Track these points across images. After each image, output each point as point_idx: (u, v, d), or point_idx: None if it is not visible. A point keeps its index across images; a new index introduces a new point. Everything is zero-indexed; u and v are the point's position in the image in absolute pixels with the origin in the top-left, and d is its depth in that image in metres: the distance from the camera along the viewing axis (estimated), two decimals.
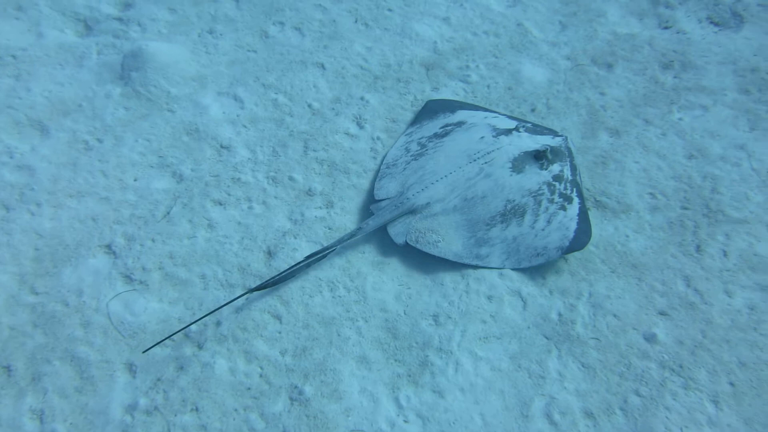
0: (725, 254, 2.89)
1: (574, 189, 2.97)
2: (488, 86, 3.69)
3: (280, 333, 2.71)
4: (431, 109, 3.45)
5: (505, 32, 3.99)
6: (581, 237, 2.80)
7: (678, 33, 3.97)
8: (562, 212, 2.87)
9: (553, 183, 2.95)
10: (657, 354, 2.60)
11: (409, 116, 3.55)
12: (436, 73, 3.76)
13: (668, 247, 2.94)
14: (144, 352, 2.57)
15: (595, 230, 3.00)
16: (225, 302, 2.67)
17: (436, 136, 3.22)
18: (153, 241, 2.98)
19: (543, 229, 2.84)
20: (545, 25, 4.03)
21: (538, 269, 2.89)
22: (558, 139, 3.09)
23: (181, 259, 2.93)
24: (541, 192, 2.91)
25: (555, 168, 3.00)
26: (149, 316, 2.74)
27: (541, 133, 3.13)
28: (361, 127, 3.50)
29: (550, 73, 3.76)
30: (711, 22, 4.03)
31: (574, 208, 2.89)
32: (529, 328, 2.72)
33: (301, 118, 3.54)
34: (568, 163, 3.04)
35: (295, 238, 3.04)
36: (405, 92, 3.67)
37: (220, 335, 2.69)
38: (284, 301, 2.80)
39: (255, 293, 2.78)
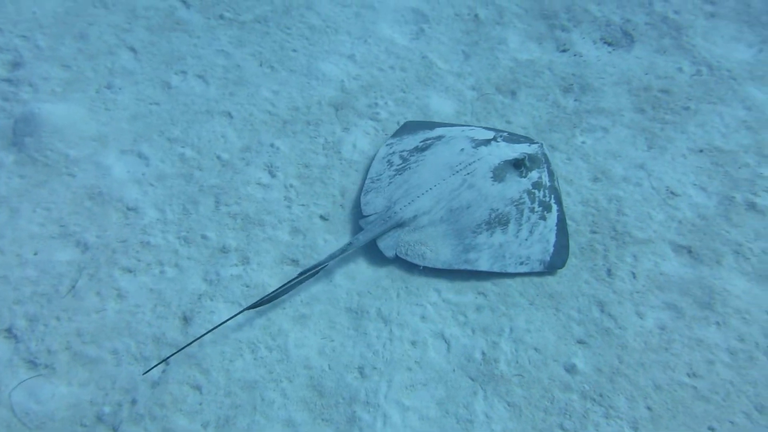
0: (634, 276, 2.96)
1: (552, 195, 3.13)
2: (398, 123, 3.68)
3: (200, 404, 2.60)
4: (409, 128, 3.56)
5: (411, 66, 4.00)
6: (561, 252, 2.98)
7: (575, 56, 4.08)
8: (542, 222, 3.03)
9: (533, 191, 3.10)
10: (578, 384, 2.63)
11: (322, 160, 3.50)
12: (345, 113, 3.73)
13: (581, 274, 2.99)
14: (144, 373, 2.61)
15: None
16: (222, 321, 2.71)
17: (417, 149, 3.31)
18: (58, 319, 2.82)
19: (526, 239, 2.99)
20: (449, 56, 4.07)
21: (460, 307, 2.88)
22: (534, 146, 3.23)
23: (90, 335, 2.77)
24: (522, 201, 3.06)
25: (534, 175, 3.14)
26: (57, 402, 2.58)
27: (518, 142, 3.26)
28: (273, 175, 3.42)
29: (458, 105, 3.79)
30: (605, 43, 4.17)
31: (552, 217, 3.06)
32: (454, 371, 2.70)
33: (210, 171, 3.44)
34: (546, 169, 3.19)
35: (212, 300, 2.93)
36: (315, 135, 3.62)
37: (136, 414, 2.55)
38: (203, 370, 2.69)
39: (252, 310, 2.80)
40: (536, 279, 2.98)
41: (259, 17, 4.21)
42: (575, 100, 3.82)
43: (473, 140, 3.25)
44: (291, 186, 3.38)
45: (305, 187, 3.38)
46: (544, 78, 3.93)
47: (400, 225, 3.03)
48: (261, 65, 3.96)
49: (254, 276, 3.02)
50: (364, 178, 3.31)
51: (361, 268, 3.06)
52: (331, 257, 2.91)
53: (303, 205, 3.31)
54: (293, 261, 3.09)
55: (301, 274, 2.84)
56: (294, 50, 4.06)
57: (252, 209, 3.28)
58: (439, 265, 2.94)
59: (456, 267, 2.93)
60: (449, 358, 2.74)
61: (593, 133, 3.62)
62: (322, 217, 3.26)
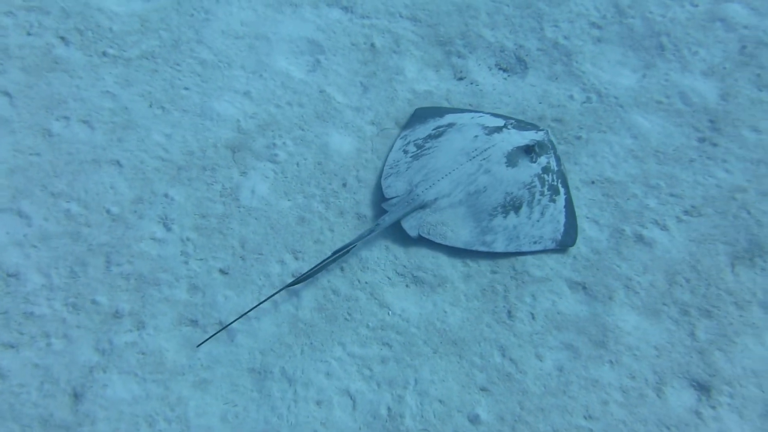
0: (533, 317, 3.01)
1: (559, 179, 3.37)
2: (297, 164, 3.58)
3: None
4: (420, 115, 3.73)
5: (309, 101, 3.90)
6: (570, 231, 3.22)
7: (471, 84, 4.09)
8: (552, 204, 3.26)
9: (543, 175, 3.33)
10: None
11: (219, 209, 3.36)
12: (243, 155, 3.59)
13: (483, 317, 3.01)
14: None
15: (414, 309, 3.02)
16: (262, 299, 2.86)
17: (431, 137, 3.50)
18: None
19: (538, 220, 3.22)
20: (348, 89, 3.99)
21: (365, 361, 2.84)
22: (541, 133, 3.47)
23: None
24: (533, 184, 3.29)
25: (543, 160, 3.38)
26: None
27: (526, 129, 3.48)
28: (168, 229, 3.25)
29: (358, 142, 3.72)
30: (500, 69, 4.20)
31: (561, 199, 3.30)
32: (360, 429, 2.66)
33: (100, 227, 3.23)
34: (552, 155, 3.44)
35: (105, 371, 2.76)
36: (212, 182, 3.47)
37: None
38: None
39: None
40: (440, 325, 2.98)
41: (146, 53, 3.98)
42: None
43: (485, 127, 3.46)
44: (188, 239, 3.23)
45: (203, 239, 3.23)
46: None
47: (422, 207, 3.23)
48: (151, 106, 3.75)
49: (150, 342, 2.87)
50: (382, 167, 3.50)
51: (264, 325, 2.97)
52: (360, 237, 3.09)
53: (201, 259, 3.17)
54: (192, 321, 2.96)
55: (335, 252, 3.01)
56: (186, 88, 3.87)
57: (146, 268, 3.10)
58: (459, 245, 3.15)
59: (475, 248, 3.15)
60: (355, 416, 2.70)
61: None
62: (221, 271, 3.14)
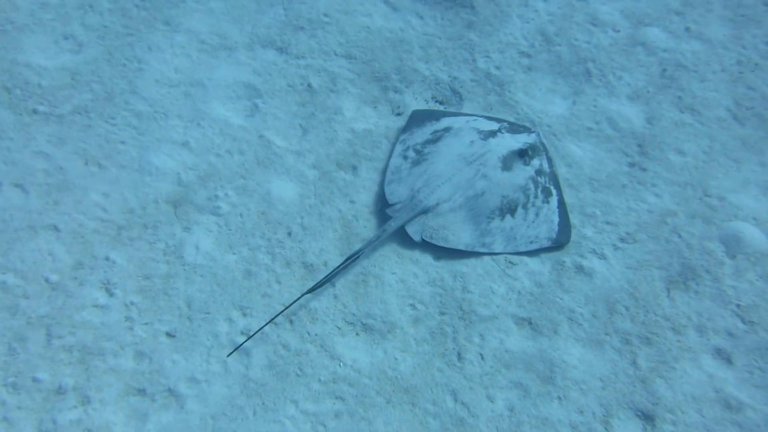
0: (482, 357, 3.01)
1: (552, 181, 3.50)
2: (241, 215, 3.51)
3: None
4: (417, 118, 3.85)
5: (249, 148, 3.83)
6: (564, 230, 3.36)
7: None
8: (546, 205, 3.39)
9: (536, 177, 3.45)
10: None
11: (163, 269, 3.26)
12: (185, 210, 3.50)
13: (434, 361, 3.00)
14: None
15: (365, 358, 2.99)
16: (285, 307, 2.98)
17: (429, 142, 3.62)
18: None
19: (533, 221, 3.35)
20: (287, 132, 3.94)
21: (319, 417, 2.80)
22: (533, 135, 3.59)
23: None
24: (528, 187, 3.41)
25: (535, 162, 3.49)
26: None
27: (518, 132, 3.60)
28: (110, 294, 3.14)
29: (300, 187, 3.67)
30: (436, 101, 4.21)
31: (554, 200, 3.43)
32: None
33: (38, 298, 3.09)
34: (545, 156, 3.56)
35: None
36: (155, 240, 3.37)
37: None
38: None
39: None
40: (391, 374, 2.96)
41: (79, 108, 3.85)
42: None
43: (480, 131, 3.57)
44: (132, 303, 3.13)
45: (147, 302, 3.14)
46: (382, 148, 3.90)
47: (425, 212, 3.34)
48: (87, 164, 3.63)
49: (96, 417, 2.77)
50: (384, 173, 3.62)
51: (215, 388, 2.90)
52: (369, 243, 3.22)
53: (146, 323, 3.07)
54: (140, 391, 2.86)
55: (346, 259, 3.15)
56: (122, 142, 3.75)
57: (89, 337, 2.99)
58: (461, 247, 3.28)
59: (476, 250, 3.28)
60: None
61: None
62: (168, 335, 3.05)
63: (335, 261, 3.35)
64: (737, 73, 4.06)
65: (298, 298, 3.06)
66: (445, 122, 3.74)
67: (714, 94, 4.00)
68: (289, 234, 3.46)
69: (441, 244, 3.29)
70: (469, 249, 3.29)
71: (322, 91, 4.17)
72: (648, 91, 4.10)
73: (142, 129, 3.83)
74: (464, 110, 4.15)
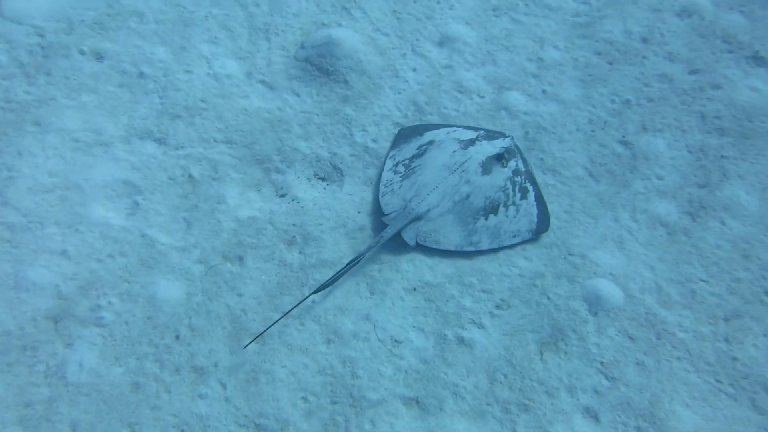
0: None
1: (528, 178, 3.88)
2: (126, 323, 3.44)
3: None
4: (403, 134, 4.21)
5: (132, 249, 3.76)
6: (543, 220, 3.75)
7: (293, 201, 4.14)
8: (524, 201, 3.76)
9: (514, 177, 3.83)
10: None
11: (45, 393, 3.15)
12: (66, 324, 3.40)
13: None
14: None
15: None
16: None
17: (416, 156, 3.98)
18: None
19: (515, 217, 3.72)
20: (171, 228, 3.90)
21: None
22: (507, 139, 3.95)
23: None
24: (506, 187, 3.78)
25: (512, 164, 3.87)
26: None
27: (494, 138, 3.96)
28: None
29: (187, 286, 3.64)
30: (319, 178, 4.29)
31: (531, 195, 3.81)
32: None
33: None
34: (519, 157, 3.94)
35: None
36: (34, 362, 3.25)
37: None
38: None
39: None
40: None
41: None
42: (300, 252, 3.87)
43: (460, 141, 3.94)
44: None
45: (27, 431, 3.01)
46: (267, 235, 3.93)
47: (417, 218, 3.69)
48: None
49: None
50: (378, 186, 4.00)
51: None
52: (369, 248, 3.57)
53: None
54: None
55: (349, 263, 3.49)
56: None
57: None
58: (451, 248, 3.66)
59: (465, 249, 3.65)
60: None
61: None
62: None
63: (226, 361, 3.35)
64: (590, 132, 4.37)
65: (304, 299, 3.45)
66: (428, 136, 4.09)
67: (571, 153, 4.29)
68: (177, 337, 3.42)
69: (434, 246, 3.67)
70: (459, 249, 3.65)
71: (204, 180, 4.16)
72: None
73: (15, 242, 3.69)
74: (345, 187, 4.24)
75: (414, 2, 5.14)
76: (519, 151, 4.03)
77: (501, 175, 3.83)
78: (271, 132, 4.45)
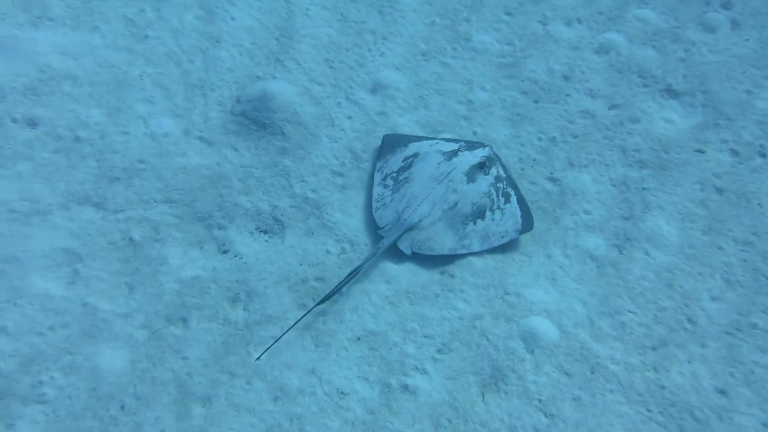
0: None
1: (509, 183, 4.14)
2: (69, 397, 3.42)
3: None
4: (389, 143, 4.44)
5: (74, 319, 3.74)
6: (527, 220, 4.01)
7: (236, 257, 4.17)
8: (508, 204, 4.02)
9: (496, 183, 4.08)
10: None
11: None
12: (6, 405, 3.35)
13: None
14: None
15: None
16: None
17: (403, 169, 4.22)
18: None
19: (501, 219, 3.97)
20: (113, 294, 3.88)
21: None
22: (486, 148, 4.23)
23: None
24: (491, 193, 4.04)
25: (493, 171, 4.13)
26: None
27: (474, 148, 4.23)
28: None
29: (131, 353, 3.63)
30: (261, 231, 4.33)
31: (513, 198, 4.07)
32: None
33: None
34: (499, 164, 4.20)
35: None
36: None
37: None
38: None
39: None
40: None
41: None
42: (244, 309, 3.90)
43: (444, 153, 4.19)
44: None
45: None
46: (211, 294, 3.95)
47: (411, 228, 3.93)
48: None
49: None
50: (370, 199, 4.23)
51: None
52: (367, 259, 3.82)
53: None
54: None
55: (349, 275, 3.73)
56: None
57: None
58: (445, 252, 3.89)
59: (458, 252, 3.90)
60: None
61: (266, 345, 3.74)
62: None
63: (172, 428, 3.35)
64: (520, 170, 4.54)
65: (311, 309, 3.68)
66: (412, 148, 4.34)
67: None
68: (123, 407, 3.41)
69: (428, 253, 3.90)
70: (452, 252, 3.89)
71: (146, 242, 4.16)
72: None
73: None
74: (287, 240, 4.30)
75: (346, 50, 5.27)
76: (498, 158, 4.28)
77: (485, 182, 4.08)
78: (212, 188, 4.49)
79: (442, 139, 4.50)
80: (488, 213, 4.00)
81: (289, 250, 4.25)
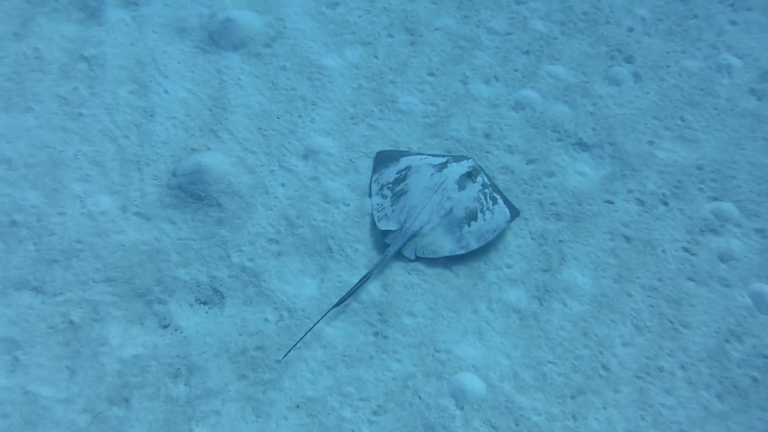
0: None
1: (494, 189, 4.66)
2: None
3: None
4: (382, 158, 4.96)
5: (14, 409, 3.79)
6: (514, 212, 4.56)
7: (176, 331, 4.29)
8: (496, 205, 4.54)
9: (483, 189, 4.59)
10: None
11: None
12: None
13: None
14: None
15: None
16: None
17: (398, 181, 4.71)
18: None
19: (491, 218, 4.47)
20: (54, 379, 3.95)
21: None
22: (470, 160, 4.75)
23: None
24: (479, 197, 4.54)
25: (479, 179, 4.62)
26: None
27: (460, 160, 4.72)
28: None
29: None
30: (200, 303, 4.47)
31: (500, 199, 4.59)
32: None
33: None
34: (483, 173, 4.69)
35: None
36: None
37: None
38: None
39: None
40: None
41: None
42: (185, 384, 4.02)
43: (434, 166, 4.68)
44: None
45: None
46: (152, 371, 4.06)
47: (413, 236, 4.42)
48: None
49: None
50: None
51: None
52: (376, 265, 4.33)
53: None
54: None
55: (360, 281, 4.22)
56: None
57: None
58: (446, 254, 4.39)
59: (458, 253, 4.39)
60: None
61: (207, 420, 3.86)
62: None
63: None
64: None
65: (327, 312, 4.14)
66: (404, 162, 4.81)
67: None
68: None
69: (431, 256, 4.39)
70: (453, 253, 4.36)
71: (86, 323, 4.25)
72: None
73: None
74: (227, 310, 4.44)
75: (278, 118, 5.49)
76: (482, 168, 4.77)
77: (473, 188, 4.56)
78: (150, 263, 4.60)
79: (428, 154, 5.03)
80: (480, 215, 4.47)
81: (228, 320, 4.39)
